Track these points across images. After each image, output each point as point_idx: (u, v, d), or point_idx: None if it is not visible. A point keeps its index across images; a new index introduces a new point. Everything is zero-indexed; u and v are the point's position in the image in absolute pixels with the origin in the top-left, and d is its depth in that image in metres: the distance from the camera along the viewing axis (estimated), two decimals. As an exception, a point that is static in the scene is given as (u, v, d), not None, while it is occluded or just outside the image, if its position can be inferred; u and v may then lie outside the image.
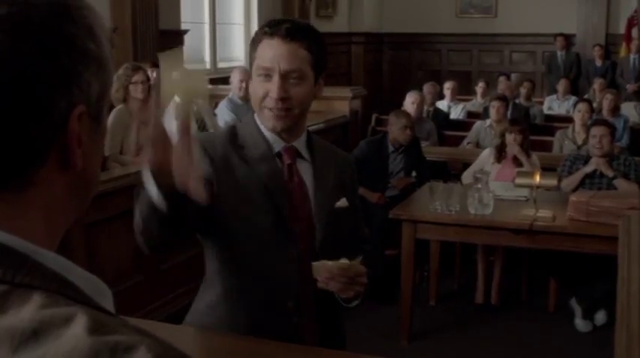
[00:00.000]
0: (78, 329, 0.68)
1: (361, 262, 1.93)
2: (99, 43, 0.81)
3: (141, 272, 4.23)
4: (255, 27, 9.05)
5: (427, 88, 8.11)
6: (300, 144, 2.03)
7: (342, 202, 2.06)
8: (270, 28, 1.90)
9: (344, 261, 1.88)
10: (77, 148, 0.78)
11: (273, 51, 1.89)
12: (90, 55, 0.80)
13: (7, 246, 0.73)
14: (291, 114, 1.94)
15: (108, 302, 0.79)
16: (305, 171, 2.03)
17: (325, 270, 1.86)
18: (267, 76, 1.90)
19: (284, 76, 1.89)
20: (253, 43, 1.94)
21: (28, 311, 0.68)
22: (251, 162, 1.97)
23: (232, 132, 2.04)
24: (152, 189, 1.53)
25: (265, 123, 1.96)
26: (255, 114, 2.02)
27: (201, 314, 2.04)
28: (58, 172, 0.78)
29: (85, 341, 0.67)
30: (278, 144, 2.00)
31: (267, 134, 1.99)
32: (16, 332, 0.67)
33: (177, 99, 1.47)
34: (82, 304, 0.72)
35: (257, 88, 1.92)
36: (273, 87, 1.89)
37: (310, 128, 5.75)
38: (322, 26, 10.66)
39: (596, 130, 5.06)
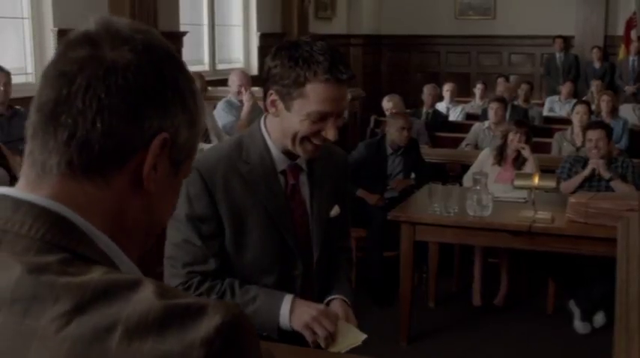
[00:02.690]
0: (147, 293, 0.76)
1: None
2: (195, 104, 0.94)
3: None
4: (254, 29, 9.05)
5: (427, 89, 8.12)
6: (302, 159, 2.03)
7: (335, 210, 2.10)
8: (328, 74, 1.83)
9: (356, 337, 2.05)
10: (152, 170, 0.88)
11: (331, 97, 1.85)
12: (187, 106, 0.92)
13: (70, 220, 0.83)
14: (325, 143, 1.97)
15: None
16: (303, 183, 2.06)
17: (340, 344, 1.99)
18: (322, 119, 1.87)
19: (337, 117, 1.91)
20: (295, 76, 1.84)
21: (96, 273, 0.78)
22: (254, 182, 1.98)
23: (239, 144, 2.02)
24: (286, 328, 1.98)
25: (301, 154, 1.95)
26: (262, 127, 2.00)
27: None
28: (130, 188, 0.88)
29: (158, 304, 0.74)
30: (283, 162, 2.01)
31: (274, 151, 1.99)
32: (88, 287, 0.76)
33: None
34: None
35: (305, 127, 1.88)
36: (330, 130, 1.89)
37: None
38: (321, 28, 10.66)
39: (592, 134, 5.05)
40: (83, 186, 0.86)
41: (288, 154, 1.99)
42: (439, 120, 7.89)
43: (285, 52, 1.87)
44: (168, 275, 2.01)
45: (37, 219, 0.82)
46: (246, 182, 1.97)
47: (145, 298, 0.75)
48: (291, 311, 1.95)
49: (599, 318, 4.73)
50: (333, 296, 2.14)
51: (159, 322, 0.73)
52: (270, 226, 1.97)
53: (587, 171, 5.01)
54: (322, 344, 1.94)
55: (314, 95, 1.84)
